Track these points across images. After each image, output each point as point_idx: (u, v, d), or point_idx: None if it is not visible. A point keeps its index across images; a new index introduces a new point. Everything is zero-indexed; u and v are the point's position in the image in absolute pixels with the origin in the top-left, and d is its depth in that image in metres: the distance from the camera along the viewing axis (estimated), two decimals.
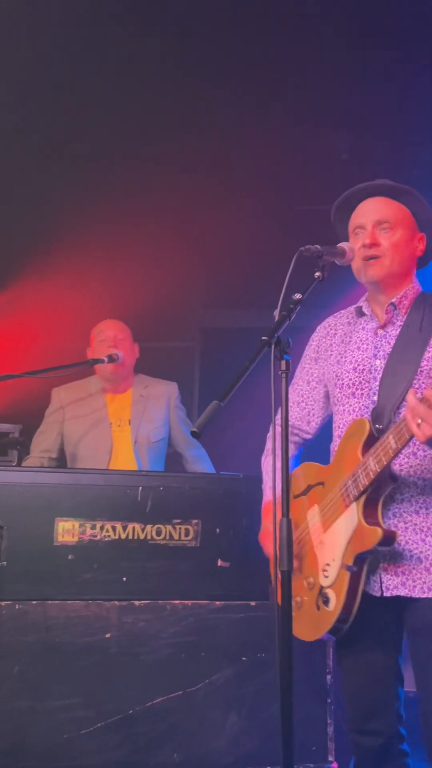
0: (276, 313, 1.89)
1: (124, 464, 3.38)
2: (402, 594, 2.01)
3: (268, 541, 2.15)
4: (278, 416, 2.31)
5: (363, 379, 2.14)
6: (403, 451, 1.94)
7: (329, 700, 2.64)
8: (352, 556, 1.96)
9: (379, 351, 2.15)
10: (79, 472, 2.95)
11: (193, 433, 1.71)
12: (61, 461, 3.51)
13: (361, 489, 1.97)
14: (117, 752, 2.48)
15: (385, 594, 2.02)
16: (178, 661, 2.57)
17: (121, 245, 4.56)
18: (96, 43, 3.71)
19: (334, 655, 2.58)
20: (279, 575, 1.78)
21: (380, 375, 2.11)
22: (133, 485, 2.67)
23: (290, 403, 2.07)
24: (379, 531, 1.92)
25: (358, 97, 4.12)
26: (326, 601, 2.01)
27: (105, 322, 3.61)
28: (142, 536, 2.64)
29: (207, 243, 4.69)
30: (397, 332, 2.15)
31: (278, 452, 1.85)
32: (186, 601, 2.61)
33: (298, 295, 1.92)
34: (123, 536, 2.63)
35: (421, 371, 2.06)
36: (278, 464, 1.85)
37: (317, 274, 1.99)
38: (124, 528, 2.63)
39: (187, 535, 2.67)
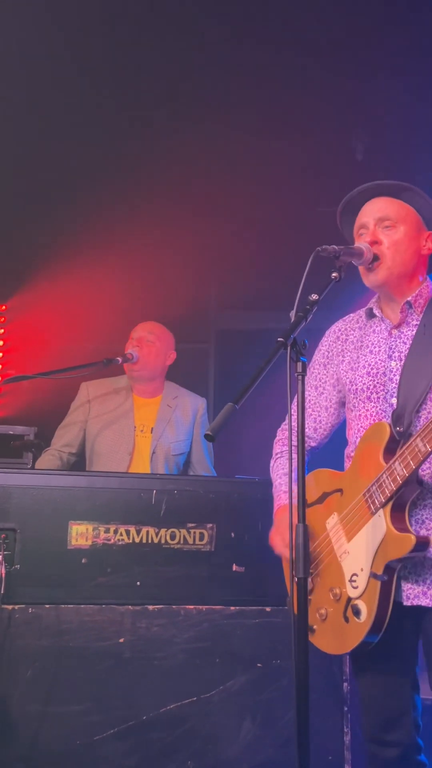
0: (292, 313, 1.85)
1: (142, 471, 3.36)
2: (423, 604, 1.96)
3: (280, 538, 2.10)
4: (287, 422, 2.29)
5: (378, 383, 2.10)
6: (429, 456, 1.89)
7: (346, 709, 2.59)
8: (382, 565, 1.91)
9: (394, 352, 2.10)
10: (94, 475, 2.93)
11: (207, 437, 1.68)
12: (81, 456, 3.48)
13: (389, 495, 1.92)
14: (130, 759, 2.46)
15: (405, 603, 1.98)
16: (192, 666, 2.54)
17: (136, 248, 4.55)
18: (102, 46, 3.71)
19: (351, 662, 2.54)
20: (295, 582, 1.74)
21: (398, 376, 2.07)
22: (148, 488, 2.65)
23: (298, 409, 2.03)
24: (412, 538, 1.87)
25: (374, 99, 4.08)
26: (357, 613, 1.95)
27: (143, 322, 3.60)
28: (156, 540, 2.61)
29: (222, 245, 4.67)
30: (413, 332, 2.10)
31: (293, 456, 1.80)
32: (200, 606, 2.58)
33: (314, 296, 1.89)
34: (137, 540, 2.60)
35: None
36: (293, 465, 1.81)
37: (334, 274, 1.95)
38: (138, 532, 2.61)
39: (201, 539, 2.64)
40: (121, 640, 2.53)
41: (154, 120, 4.17)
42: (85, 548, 2.57)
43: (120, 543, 2.59)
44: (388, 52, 3.80)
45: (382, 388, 2.09)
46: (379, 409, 2.09)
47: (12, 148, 4.10)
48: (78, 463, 3.50)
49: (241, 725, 2.54)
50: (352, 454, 2.12)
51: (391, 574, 1.92)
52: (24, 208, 4.41)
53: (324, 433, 2.30)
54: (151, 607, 2.56)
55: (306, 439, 2.29)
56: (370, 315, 2.22)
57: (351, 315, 2.32)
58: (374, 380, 2.11)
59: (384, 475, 1.94)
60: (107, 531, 2.59)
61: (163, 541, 2.62)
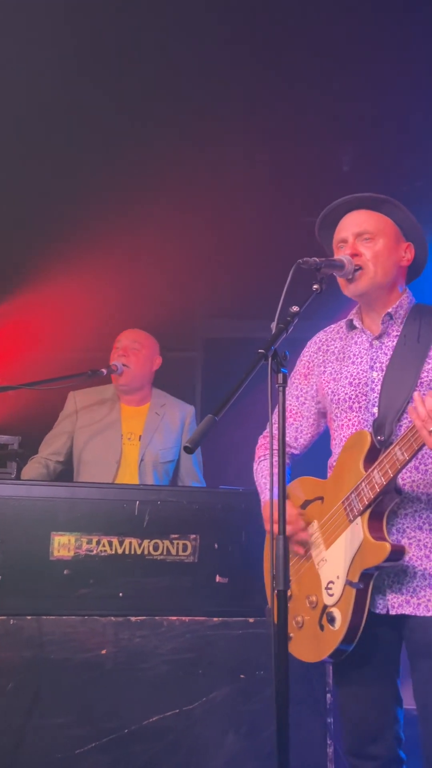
0: (273, 325, 1.86)
1: (129, 480, 3.35)
2: (407, 612, 1.97)
3: (268, 512, 2.09)
4: (268, 430, 2.29)
5: (360, 393, 2.12)
6: (406, 465, 1.90)
7: (329, 720, 2.59)
8: (358, 573, 1.92)
9: (375, 363, 2.12)
10: (76, 485, 2.92)
11: (185, 449, 1.68)
12: (68, 465, 3.47)
13: (366, 503, 1.93)
14: None
15: (390, 612, 1.98)
16: (175, 678, 2.53)
17: (122, 256, 4.55)
18: (99, 47, 3.71)
19: (332, 674, 2.53)
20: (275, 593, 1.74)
21: (379, 386, 2.08)
22: (131, 499, 2.64)
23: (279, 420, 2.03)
24: (387, 546, 1.88)
25: (361, 109, 4.10)
26: (331, 620, 1.96)
27: (126, 331, 3.60)
28: (139, 551, 2.60)
29: (209, 253, 4.67)
30: (394, 343, 2.12)
31: (274, 462, 1.81)
32: (183, 618, 2.57)
33: (295, 308, 1.90)
34: (120, 551, 2.59)
35: (421, 383, 2.03)
36: (274, 471, 1.81)
37: (315, 286, 1.97)
38: (121, 543, 2.60)
39: (185, 550, 2.64)
40: (104, 652, 2.51)
41: (140, 130, 4.17)
42: (67, 559, 2.55)
43: (102, 554, 2.58)
44: (376, 64, 3.82)
45: (364, 398, 2.10)
46: (361, 418, 2.10)
47: None
48: (65, 472, 3.49)
49: (224, 737, 2.52)
50: (334, 464, 2.12)
51: (367, 582, 1.93)
52: (8, 218, 4.39)
53: (304, 442, 2.31)
54: (133, 619, 2.55)
55: (287, 447, 2.30)
56: (351, 326, 2.23)
57: (332, 326, 2.33)
58: (356, 390, 2.12)
59: (363, 484, 1.95)
60: (90, 542, 2.58)
61: (146, 552, 2.61)
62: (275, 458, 1.80)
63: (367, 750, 2.01)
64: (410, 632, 1.99)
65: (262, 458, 2.33)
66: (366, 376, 2.12)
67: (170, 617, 2.57)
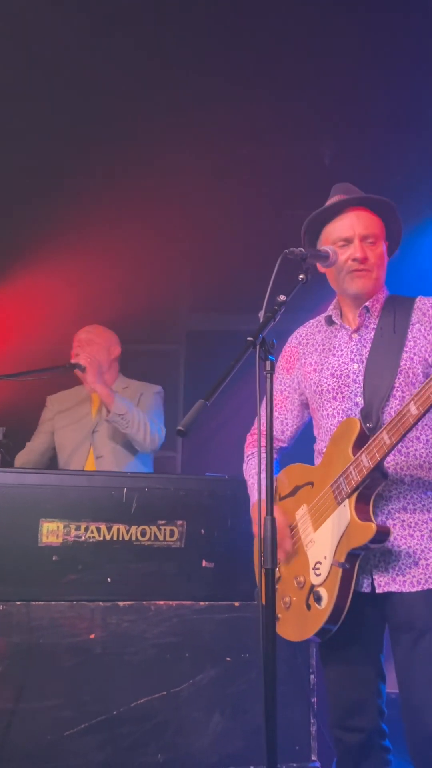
0: (261, 314, 1.91)
1: (103, 461, 3.38)
2: (393, 590, 2.04)
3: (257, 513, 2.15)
4: (255, 427, 2.35)
5: (342, 384, 2.19)
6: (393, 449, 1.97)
7: (313, 700, 2.65)
8: (344, 553, 1.99)
9: (356, 355, 2.20)
10: (64, 473, 2.95)
11: (179, 432, 1.72)
12: (52, 462, 3.53)
13: (354, 485, 2.00)
14: (100, 753, 2.48)
15: (377, 591, 2.05)
16: (163, 661, 2.58)
17: (105, 249, 4.56)
18: (97, 43, 3.72)
19: (317, 654, 2.60)
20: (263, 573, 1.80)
21: (361, 378, 2.16)
22: (118, 486, 2.68)
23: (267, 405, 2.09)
24: (373, 526, 1.94)
25: (342, 104, 4.15)
26: (318, 599, 2.02)
27: (81, 329, 3.65)
28: (126, 537, 2.65)
29: (193, 247, 4.70)
30: (372, 335, 2.20)
31: (262, 455, 1.86)
32: (170, 602, 2.62)
33: (282, 297, 1.96)
34: (108, 537, 2.63)
35: (400, 371, 2.11)
36: (262, 465, 1.87)
37: (301, 276, 2.02)
38: (109, 529, 2.64)
39: (171, 536, 2.68)
40: (92, 636, 2.55)
41: (125, 122, 4.18)
42: (55, 545, 2.59)
43: (91, 540, 2.62)
44: (358, 58, 3.87)
45: (347, 388, 2.18)
46: (346, 407, 2.17)
47: None
48: (55, 459, 3.55)
49: (210, 718, 2.58)
50: (324, 450, 2.19)
51: (353, 562, 1.99)
52: None
53: (290, 434, 2.38)
54: (121, 604, 2.59)
55: (275, 440, 2.37)
56: (330, 322, 2.31)
57: (311, 321, 2.41)
58: (339, 381, 2.20)
59: (351, 467, 2.02)
60: (78, 528, 2.61)
61: (133, 538, 2.65)
62: (262, 446, 1.85)
63: (352, 722, 2.08)
64: (393, 609, 2.06)
65: (250, 456, 2.39)
66: (347, 368, 2.20)
67: (157, 602, 2.61)
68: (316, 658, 2.66)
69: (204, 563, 2.68)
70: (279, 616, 2.13)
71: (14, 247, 4.51)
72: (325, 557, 2.04)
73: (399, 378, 2.10)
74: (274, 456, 2.34)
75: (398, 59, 3.87)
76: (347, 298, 2.26)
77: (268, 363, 1.87)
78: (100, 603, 2.58)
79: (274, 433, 2.33)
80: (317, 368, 2.26)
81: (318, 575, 2.05)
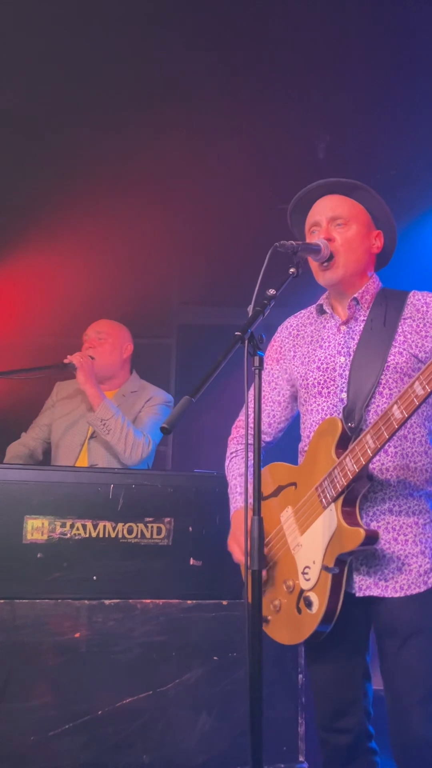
0: (250, 308, 1.87)
1: (95, 457, 3.33)
2: (374, 594, 2.00)
3: (237, 546, 2.12)
4: (240, 419, 2.30)
5: (328, 378, 2.14)
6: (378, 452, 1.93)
7: (301, 700, 2.62)
8: (333, 558, 1.95)
9: (343, 348, 2.14)
10: (50, 469, 2.91)
11: (162, 429, 1.68)
12: (44, 458, 3.49)
13: (339, 489, 1.96)
14: (85, 754, 2.45)
15: (357, 594, 2.01)
16: (149, 660, 2.54)
17: (96, 243, 4.51)
18: (94, 33, 3.67)
19: (305, 652, 2.57)
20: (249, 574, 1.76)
21: (347, 372, 2.11)
22: (105, 483, 2.64)
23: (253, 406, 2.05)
24: (362, 532, 1.90)
25: (337, 97, 4.11)
26: (309, 605, 1.98)
27: (93, 323, 3.60)
28: (113, 535, 2.60)
29: (184, 240, 4.65)
30: (361, 327, 2.15)
31: (250, 453, 1.82)
32: (157, 600, 2.58)
33: (272, 291, 1.91)
34: (94, 534, 2.59)
35: (387, 367, 2.06)
36: (249, 462, 1.83)
37: (292, 270, 1.98)
38: (95, 526, 2.60)
39: (159, 533, 2.64)
40: (77, 635, 2.51)
41: (114, 117, 4.13)
42: (41, 543, 2.55)
43: (76, 537, 2.58)
44: (351, 51, 3.84)
45: (332, 383, 2.13)
46: (330, 404, 2.12)
47: None
48: (46, 452, 3.51)
49: (197, 718, 2.55)
50: (306, 449, 2.14)
51: (342, 566, 1.96)
52: None
53: (278, 427, 2.32)
54: (107, 602, 2.55)
55: (261, 434, 2.30)
56: (321, 311, 2.26)
57: (302, 311, 2.35)
58: (324, 375, 2.15)
59: (335, 470, 1.97)
60: (63, 525, 2.57)
61: (120, 536, 2.61)
62: (251, 443, 1.81)
63: (339, 724, 2.05)
64: (377, 614, 2.03)
65: (234, 454, 2.32)
66: (334, 361, 2.15)
67: (144, 600, 2.58)
68: (304, 657, 2.63)
69: (192, 561, 2.65)
70: (269, 618, 2.09)
71: (2, 241, 4.46)
72: (314, 562, 2.00)
73: (386, 374, 2.06)
74: (261, 451, 2.30)
75: (393, 51, 3.83)
76: (330, 290, 2.22)
77: (256, 358, 1.83)
78: (86, 601, 2.54)
79: (261, 426, 2.27)
80: (305, 361, 2.21)
81: (308, 580, 2.01)
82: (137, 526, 2.63)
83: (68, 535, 2.57)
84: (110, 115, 4.12)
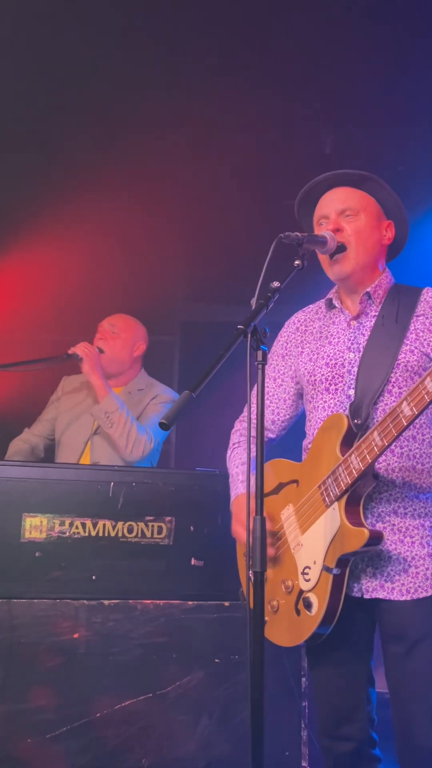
0: (253, 301, 1.81)
1: (98, 454, 3.29)
2: (381, 596, 1.95)
3: (241, 527, 2.06)
4: (244, 414, 2.25)
5: (337, 374, 2.08)
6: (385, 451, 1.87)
7: (304, 704, 2.58)
8: (334, 559, 1.89)
9: (353, 344, 2.09)
10: (49, 466, 2.87)
11: (161, 425, 1.63)
12: (46, 456, 3.46)
13: (344, 488, 1.90)
14: (83, 757, 2.41)
15: (365, 596, 1.96)
16: (149, 662, 2.50)
17: (101, 239, 4.48)
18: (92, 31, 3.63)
19: (306, 656, 2.52)
20: (251, 576, 1.71)
21: (356, 368, 2.05)
22: (105, 480, 2.59)
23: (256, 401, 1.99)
24: (366, 532, 1.85)
25: (343, 92, 4.07)
26: (308, 606, 1.93)
27: (110, 315, 3.57)
28: (113, 533, 2.56)
29: (188, 236, 4.62)
30: (372, 323, 2.09)
31: (252, 447, 1.77)
32: (158, 601, 2.54)
33: (276, 283, 1.85)
34: (93, 533, 2.55)
35: (398, 365, 2.01)
36: (251, 455, 1.77)
37: (297, 262, 1.92)
38: (95, 525, 2.55)
39: (159, 532, 2.60)
40: (76, 636, 2.47)
41: (116, 112, 4.10)
42: (39, 541, 2.51)
43: (76, 536, 2.53)
44: (358, 45, 3.79)
45: (340, 379, 2.07)
46: (337, 400, 2.07)
47: None
48: (48, 448, 3.47)
49: (197, 721, 2.51)
50: (310, 446, 2.09)
51: (343, 567, 1.90)
52: None
53: (282, 425, 2.27)
54: (106, 602, 2.51)
55: (264, 431, 2.25)
56: (330, 306, 2.20)
57: (311, 306, 2.30)
58: (333, 371, 2.09)
59: (340, 468, 1.92)
60: (62, 524, 2.53)
61: (120, 535, 2.57)
62: (252, 433, 1.76)
63: (341, 731, 2.00)
64: (383, 616, 1.98)
65: (236, 445, 2.28)
66: (343, 356, 2.09)
67: (144, 601, 2.54)
68: (306, 658, 2.58)
69: (193, 561, 2.60)
70: (267, 619, 2.03)
71: (6, 237, 4.43)
72: (315, 562, 1.94)
73: (396, 372, 2.00)
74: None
75: (399, 46, 3.79)
76: (340, 284, 2.16)
77: (260, 353, 1.77)
78: (85, 601, 2.50)
79: (264, 422, 2.22)
80: (312, 357, 2.16)
81: (308, 580, 1.95)
82: (137, 525, 2.58)
83: (67, 534, 2.52)
84: (113, 110, 4.09)
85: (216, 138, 4.25)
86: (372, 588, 1.96)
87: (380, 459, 1.95)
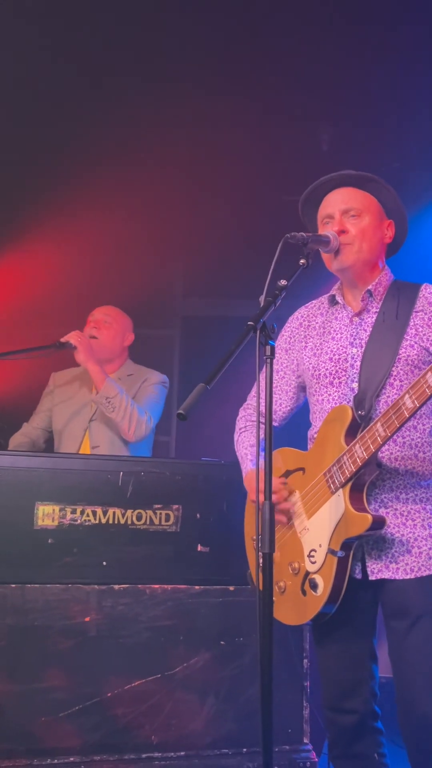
0: (262, 298, 1.91)
1: (97, 438, 3.37)
2: (386, 577, 2.05)
3: (253, 482, 2.13)
4: (248, 402, 2.34)
5: (340, 368, 2.18)
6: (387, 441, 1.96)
7: (306, 683, 2.67)
8: (339, 542, 2.00)
9: (355, 339, 2.18)
10: (60, 456, 2.95)
11: (179, 415, 1.72)
12: (47, 446, 3.53)
13: (348, 475, 2.00)
14: (94, 735, 2.50)
15: (370, 578, 2.06)
16: (157, 644, 2.59)
17: (101, 233, 4.52)
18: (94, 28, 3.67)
19: (310, 638, 2.62)
20: (260, 557, 1.80)
21: (358, 363, 2.14)
22: (114, 470, 2.68)
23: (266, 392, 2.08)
24: (369, 517, 1.95)
25: (340, 89, 4.12)
26: (314, 587, 2.03)
27: (99, 307, 3.63)
28: (122, 521, 2.65)
29: (188, 232, 4.67)
30: (373, 320, 2.18)
31: (261, 432, 1.86)
32: (165, 586, 2.63)
33: (283, 281, 1.95)
34: (103, 521, 2.63)
35: (399, 359, 2.10)
36: (254, 441, 1.86)
37: (302, 261, 2.01)
38: (105, 512, 2.64)
39: (167, 520, 2.69)
40: (87, 619, 2.56)
41: (122, 106, 4.14)
42: (51, 528, 2.59)
43: (86, 524, 2.62)
44: (355, 43, 3.84)
45: (344, 373, 2.17)
46: (341, 393, 2.16)
47: None
48: (49, 440, 3.54)
49: (204, 701, 2.60)
50: (315, 436, 2.19)
51: (347, 550, 2.01)
52: None
53: (282, 415, 2.37)
54: (116, 587, 2.60)
55: (272, 422, 2.34)
56: (333, 302, 2.29)
57: (313, 302, 2.38)
58: (336, 366, 2.18)
59: (344, 457, 2.02)
60: (74, 512, 2.61)
61: (129, 522, 2.65)
62: (262, 423, 1.85)
63: (345, 704, 2.10)
64: (386, 595, 2.07)
65: (243, 429, 2.37)
66: (346, 352, 2.18)
67: (153, 585, 2.62)
68: (309, 642, 2.68)
69: (199, 547, 2.69)
70: (273, 599, 2.13)
71: (6, 229, 4.47)
72: (320, 545, 2.05)
73: (397, 366, 2.10)
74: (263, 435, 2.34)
75: (397, 42, 3.84)
76: (342, 278, 2.25)
77: (268, 348, 1.86)
78: (95, 586, 2.58)
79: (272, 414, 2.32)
80: (316, 352, 2.25)
81: (313, 563, 2.06)
82: (146, 513, 2.67)
83: (78, 521, 2.61)
84: (113, 105, 4.12)
85: (215, 135, 4.29)
86: (377, 569, 2.06)
87: (384, 448, 2.05)
